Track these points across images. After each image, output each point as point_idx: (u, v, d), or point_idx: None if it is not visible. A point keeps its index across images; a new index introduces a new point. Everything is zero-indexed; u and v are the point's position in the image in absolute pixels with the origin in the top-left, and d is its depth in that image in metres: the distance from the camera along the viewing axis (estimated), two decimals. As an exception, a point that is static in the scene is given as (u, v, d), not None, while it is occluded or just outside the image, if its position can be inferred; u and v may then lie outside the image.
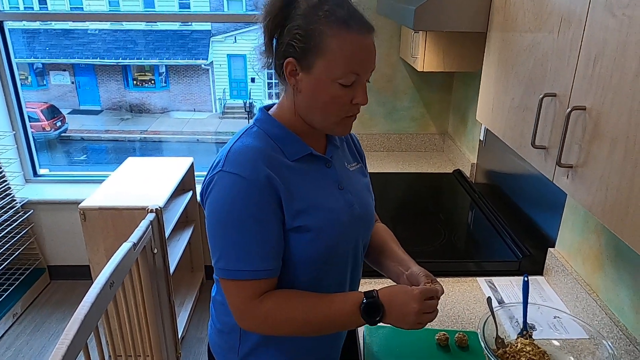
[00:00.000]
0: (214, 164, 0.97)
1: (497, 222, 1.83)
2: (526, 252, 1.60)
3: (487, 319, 1.18)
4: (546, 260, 1.56)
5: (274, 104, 1.05)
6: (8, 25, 2.80)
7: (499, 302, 1.43)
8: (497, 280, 1.55)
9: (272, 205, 0.93)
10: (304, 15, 0.90)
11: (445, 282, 1.54)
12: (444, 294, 1.46)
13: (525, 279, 1.25)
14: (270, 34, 0.93)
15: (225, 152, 0.96)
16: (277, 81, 1.02)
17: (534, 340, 1.19)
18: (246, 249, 0.92)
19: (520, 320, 1.23)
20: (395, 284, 1.07)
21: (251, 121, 1.04)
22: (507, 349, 1.16)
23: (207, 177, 0.97)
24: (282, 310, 0.96)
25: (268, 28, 0.93)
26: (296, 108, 0.97)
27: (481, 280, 1.55)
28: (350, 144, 1.17)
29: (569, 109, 0.88)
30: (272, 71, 0.99)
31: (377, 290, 0.97)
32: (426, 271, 1.05)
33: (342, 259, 1.06)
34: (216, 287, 1.12)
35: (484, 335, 1.13)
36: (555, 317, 1.24)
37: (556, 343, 1.20)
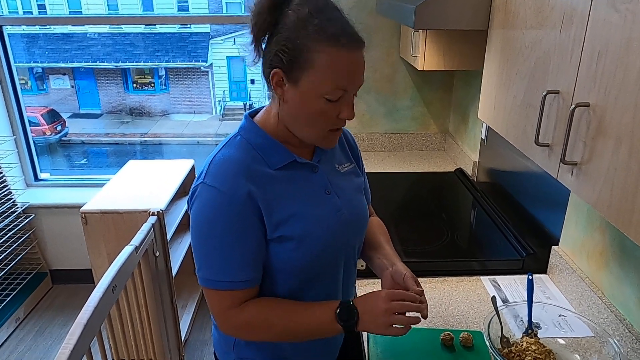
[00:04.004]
0: (198, 174, 0.98)
1: (500, 220, 1.82)
2: (530, 251, 1.60)
3: (491, 318, 1.17)
4: (550, 259, 1.55)
5: (261, 108, 1.04)
6: (7, 30, 2.80)
7: (504, 301, 1.42)
8: (501, 279, 1.54)
9: (252, 219, 0.94)
10: (293, 28, 0.88)
11: (449, 282, 1.53)
12: (447, 294, 1.46)
13: (530, 277, 1.25)
14: (256, 36, 0.92)
15: (208, 164, 0.97)
16: None
17: (539, 339, 1.18)
18: (225, 261, 0.94)
19: (525, 319, 1.23)
20: (378, 275, 1.11)
21: (236, 128, 1.03)
22: (512, 348, 1.15)
23: (192, 187, 0.98)
24: (261, 318, 0.98)
25: (254, 29, 0.91)
26: (280, 118, 0.97)
27: (485, 280, 1.54)
28: (342, 143, 1.15)
29: (573, 106, 0.87)
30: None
31: (353, 299, 0.99)
32: (411, 272, 1.05)
33: (332, 266, 1.06)
34: None
35: (489, 335, 1.12)
36: (560, 316, 1.23)
37: (562, 342, 1.19)
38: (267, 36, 0.92)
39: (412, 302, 0.96)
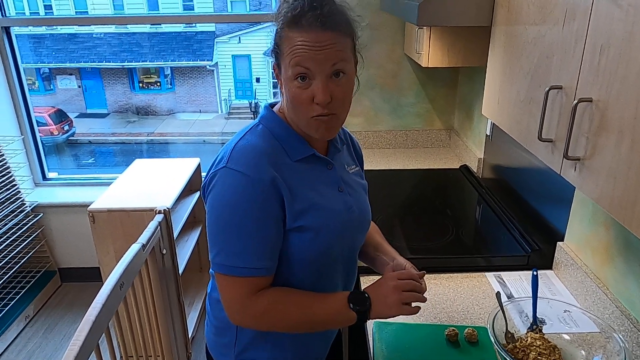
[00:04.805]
0: (217, 160, 0.98)
1: (505, 216, 1.82)
2: (535, 247, 1.60)
3: (496, 313, 1.17)
4: (555, 254, 1.55)
5: (279, 101, 1.06)
6: (15, 30, 2.82)
7: (508, 297, 1.42)
8: (506, 275, 1.54)
9: (274, 206, 0.94)
10: (275, 21, 0.94)
11: (454, 278, 1.53)
12: (452, 290, 1.47)
13: (535, 273, 1.25)
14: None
15: (230, 149, 0.96)
16: None
17: (544, 334, 1.18)
18: (244, 247, 0.94)
19: (530, 315, 1.23)
20: (380, 272, 1.15)
21: (256, 118, 1.05)
22: (517, 343, 1.16)
23: (210, 173, 0.97)
24: (278, 307, 0.98)
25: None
26: (282, 109, 1.01)
27: (490, 276, 1.54)
28: (349, 147, 1.19)
29: (576, 101, 0.87)
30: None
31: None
32: (410, 263, 1.10)
33: (335, 261, 1.07)
34: (212, 283, 1.14)
35: (493, 330, 1.12)
36: (565, 311, 1.23)
37: (567, 337, 1.19)
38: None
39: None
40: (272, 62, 0.99)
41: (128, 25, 9.87)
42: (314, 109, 0.93)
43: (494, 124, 2.13)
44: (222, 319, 1.09)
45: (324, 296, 1.02)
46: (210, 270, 1.11)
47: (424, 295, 1.02)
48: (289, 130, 1.00)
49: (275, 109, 1.04)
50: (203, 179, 1.01)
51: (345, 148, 1.16)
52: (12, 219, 2.76)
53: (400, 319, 1.23)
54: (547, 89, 0.99)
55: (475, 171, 2.31)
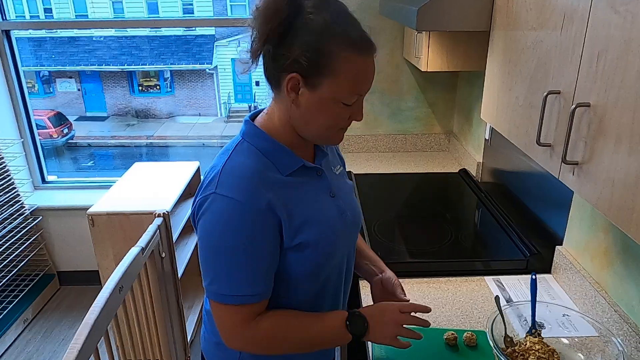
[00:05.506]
0: (205, 184, 0.93)
1: (504, 220, 1.83)
2: (534, 251, 1.60)
3: (495, 317, 1.17)
4: (554, 258, 1.55)
5: (259, 112, 1.02)
6: (15, 34, 2.83)
7: (507, 301, 1.42)
8: (504, 279, 1.54)
9: (269, 232, 0.91)
10: (317, 33, 0.85)
11: (453, 282, 1.53)
12: (451, 294, 1.47)
13: (533, 277, 1.25)
14: (264, 41, 0.88)
15: (217, 172, 0.91)
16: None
17: (543, 338, 1.18)
18: (237, 275, 0.91)
19: (529, 319, 1.23)
20: (367, 280, 1.21)
21: (238, 134, 0.99)
22: (516, 347, 1.16)
23: (199, 198, 0.92)
24: (277, 333, 0.97)
25: (264, 34, 0.87)
26: (288, 121, 0.95)
27: (489, 280, 1.54)
28: (332, 147, 1.16)
29: (574, 106, 0.87)
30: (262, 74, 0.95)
31: (358, 309, 1.03)
32: (398, 280, 1.16)
33: (338, 266, 1.07)
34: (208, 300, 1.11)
35: (492, 334, 1.13)
36: (564, 315, 1.24)
37: (565, 341, 1.20)
38: (275, 40, 0.88)
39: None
40: (284, 72, 0.89)
41: (128, 29, 9.89)
42: (346, 124, 0.95)
43: (492, 128, 2.14)
44: None
45: (320, 316, 1.01)
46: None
47: (424, 326, 1.04)
48: (275, 144, 0.95)
49: (258, 122, 0.99)
50: (192, 203, 0.96)
51: (330, 149, 1.14)
52: (11, 222, 2.76)
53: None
54: (546, 93, 0.99)
55: (474, 175, 2.32)
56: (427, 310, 1.04)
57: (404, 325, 1.01)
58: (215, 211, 0.89)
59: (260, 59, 0.93)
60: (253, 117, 1.02)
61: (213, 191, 0.90)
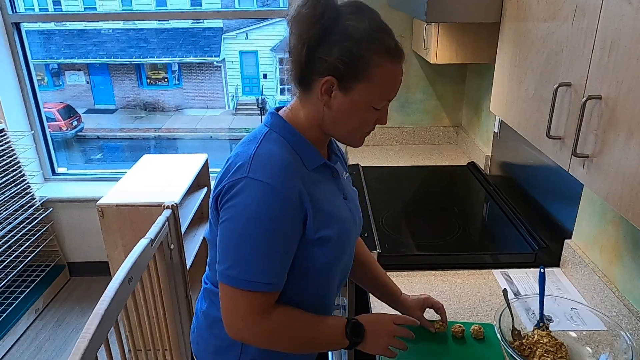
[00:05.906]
0: (235, 168, 0.91)
1: (512, 214, 1.82)
2: (542, 244, 1.59)
3: (503, 310, 1.17)
4: (563, 252, 1.54)
5: (282, 106, 1.03)
6: (25, 26, 2.85)
7: (515, 294, 1.42)
8: (513, 272, 1.54)
9: (298, 222, 0.92)
10: (357, 39, 0.88)
11: (461, 275, 1.53)
12: (459, 287, 1.47)
13: (542, 270, 1.25)
14: (307, 46, 0.89)
15: (249, 157, 0.91)
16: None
17: (550, 331, 1.18)
18: (264, 261, 0.90)
19: (537, 312, 1.23)
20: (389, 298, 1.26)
21: (262, 125, 0.99)
22: (523, 340, 1.16)
23: (227, 182, 0.90)
24: (286, 329, 0.97)
25: (307, 39, 0.88)
26: (317, 122, 0.97)
27: (497, 273, 1.54)
28: (340, 155, 1.17)
29: (585, 99, 0.87)
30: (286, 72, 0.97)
31: (355, 317, 1.05)
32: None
33: (338, 268, 1.07)
34: (208, 301, 1.08)
35: (500, 327, 1.13)
36: (572, 309, 1.23)
37: (573, 334, 1.19)
38: (314, 44, 0.89)
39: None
40: (318, 75, 0.90)
41: (136, 22, 9.91)
42: (370, 127, 0.99)
43: (501, 121, 2.13)
44: (224, 338, 1.02)
45: (324, 319, 1.01)
46: (205, 285, 1.10)
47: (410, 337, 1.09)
48: (302, 139, 0.97)
49: (283, 115, 0.99)
50: (213, 189, 0.95)
51: (339, 155, 1.16)
52: (22, 214, 2.79)
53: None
54: (556, 86, 0.98)
55: (483, 168, 2.31)
56: (415, 323, 1.14)
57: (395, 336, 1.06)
58: (249, 195, 0.88)
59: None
60: (278, 109, 1.03)
61: (245, 175, 0.89)
